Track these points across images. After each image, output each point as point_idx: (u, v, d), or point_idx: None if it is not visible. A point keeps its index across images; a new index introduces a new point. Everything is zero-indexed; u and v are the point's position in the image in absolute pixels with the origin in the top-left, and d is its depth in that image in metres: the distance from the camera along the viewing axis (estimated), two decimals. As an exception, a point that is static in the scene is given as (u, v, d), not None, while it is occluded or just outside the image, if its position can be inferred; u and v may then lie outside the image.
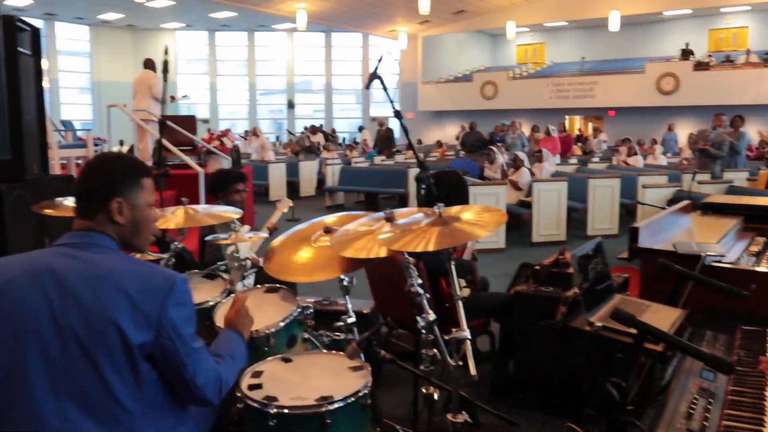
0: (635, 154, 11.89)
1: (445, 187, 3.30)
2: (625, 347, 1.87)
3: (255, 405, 2.02)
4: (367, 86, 2.53)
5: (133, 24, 23.33)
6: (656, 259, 2.62)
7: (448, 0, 19.19)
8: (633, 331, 1.80)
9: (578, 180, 8.63)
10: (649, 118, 19.86)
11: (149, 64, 9.35)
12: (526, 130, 15.35)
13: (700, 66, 19.67)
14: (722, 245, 2.98)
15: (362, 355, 2.38)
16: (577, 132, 21.22)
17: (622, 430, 1.77)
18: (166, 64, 4.01)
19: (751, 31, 21.72)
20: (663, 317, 2.22)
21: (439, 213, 2.15)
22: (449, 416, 1.97)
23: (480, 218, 2.12)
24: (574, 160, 12.55)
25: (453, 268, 2.06)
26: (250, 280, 3.29)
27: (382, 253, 2.20)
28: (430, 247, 1.98)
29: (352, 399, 2.05)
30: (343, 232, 2.50)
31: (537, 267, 3.52)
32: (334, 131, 20.01)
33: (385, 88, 2.61)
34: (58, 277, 1.62)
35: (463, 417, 1.95)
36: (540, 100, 21.54)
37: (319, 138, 16.75)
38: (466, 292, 3.73)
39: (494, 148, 10.24)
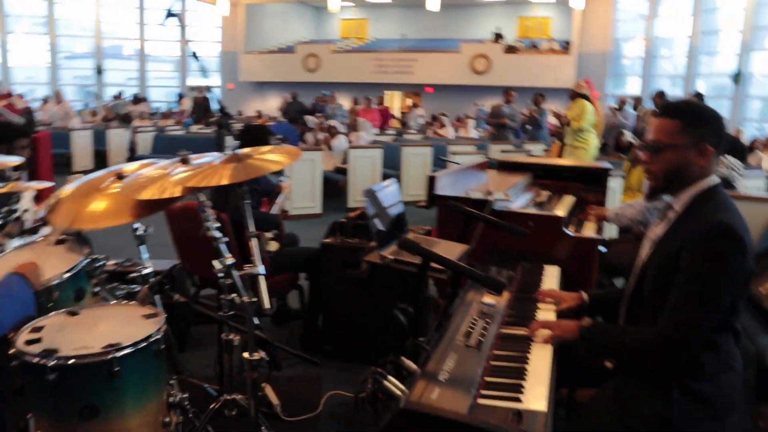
0: (444, 126, 12.61)
1: (248, 135, 3.27)
2: (412, 275, 1.96)
3: (31, 360, 1.85)
4: (163, 23, 2.39)
5: None
6: (449, 204, 2.78)
7: (270, -32, 18.78)
8: (418, 260, 1.90)
9: (393, 148, 8.94)
10: (464, 96, 21.04)
11: None
12: (347, 102, 15.57)
13: (510, 50, 21.17)
14: (511, 195, 3.24)
15: (159, 306, 2.29)
16: (396, 106, 21.94)
17: (411, 352, 1.87)
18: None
19: (553, 22, 23.73)
20: (450, 250, 2.37)
21: (233, 152, 2.11)
22: (245, 355, 1.95)
23: (274, 155, 2.10)
24: (391, 132, 13.01)
25: (248, 207, 2.03)
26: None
27: (177, 192, 2.11)
28: (224, 181, 1.94)
29: (143, 345, 1.95)
30: (135, 176, 2.36)
31: (343, 220, 3.60)
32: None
33: (182, 27, 2.47)
34: None
35: (259, 354, 1.94)
36: (362, 74, 21.91)
37: (143, 107, 15.78)
38: (274, 245, 3.73)
39: (309, 117, 10.27)
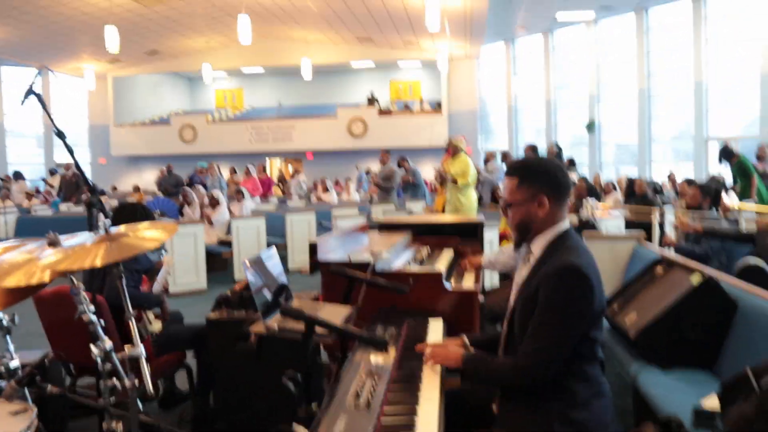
0: (327, 190, 12.77)
1: (122, 214, 3.19)
2: (298, 343, 1.97)
3: None
4: (22, 102, 2.31)
5: None
6: (331, 268, 2.83)
7: (139, 39, 18.51)
8: (302, 326, 1.92)
9: (276, 216, 8.93)
10: (343, 159, 21.48)
11: None
12: (225, 172, 15.42)
13: (384, 112, 21.98)
14: (392, 253, 3.33)
15: (29, 398, 2.13)
16: (277, 174, 21.95)
17: (304, 419, 1.86)
18: None
19: (423, 83, 24.95)
20: (335, 314, 2.40)
21: (106, 230, 2.05)
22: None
23: (150, 232, 2.07)
24: (274, 200, 12.98)
25: (123, 283, 1.97)
26: None
27: (46, 277, 2.01)
28: (98, 262, 1.87)
29: (12, 445, 1.81)
30: (0, 261, 2.22)
31: (228, 293, 3.54)
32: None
33: (44, 106, 2.40)
34: None
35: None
36: (240, 143, 21.86)
37: (21, 186, 14.89)
38: (157, 325, 3.60)
39: (189, 189, 10.07)
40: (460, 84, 21.67)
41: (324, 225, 7.49)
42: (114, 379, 2.03)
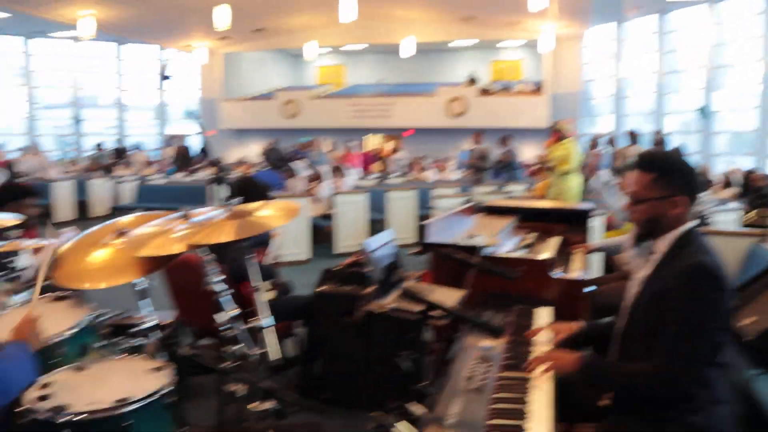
0: (424, 169, 12.83)
1: (244, 189, 3.35)
2: (413, 323, 2.04)
3: (42, 417, 1.88)
4: (160, 85, 2.51)
5: None
6: (441, 251, 2.88)
7: (247, 17, 19.08)
8: (420, 308, 1.98)
9: (378, 192, 9.06)
10: (442, 138, 21.39)
11: None
12: (326, 148, 15.75)
13: (484, 92, 21.66)
14: (499, 238, 3.35)
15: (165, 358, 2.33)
16: (375, 150, 22.18)
17: (416, 397, 1.93)
18: None
19: (525, 63, 24.39)
20: (447, 297, 2.45)
21: (234, 208, 2.19)
22: (254, 405, 1.99)
23: (274, 211, 2.19)
24: (374, 176, 13.18)
25: (251, 261, 2.10)
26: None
27: (180, 249, 2.18)
28: (227, 238, 2.01)
29: (153, 399, 1.99)
30: (138, 232, 2.42)
31: (336, 268, 3.67)
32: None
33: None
34: None
35: (268, 405, 1.99)
36: (340, 119, 22.19)
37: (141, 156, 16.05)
38: (271, 294, 3.78)
39: (295, 163, 10.39)
40: (564, 65, 20.97)
41: (429, 206, 7.56)
42: (236, 345, 2.19)
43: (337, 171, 10.04)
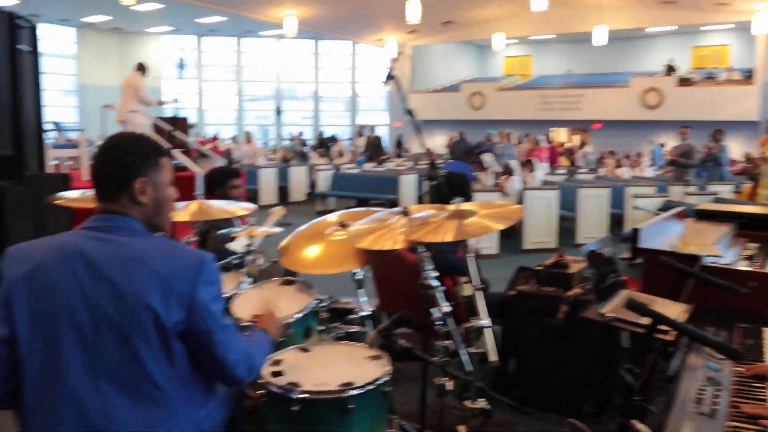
0: (621, 166, 12.13)
1: (454, 186, 3.41)
2: (637, 336, 1.96)
3: (278, 391, 2.08)
4: (385, 83, 2.65)
5: (120, 27, 23.23)
6: (657, 258, 2.73)
7: (436, 10, 19.37)
8: (645, 321, 1.90)
9: (568, 189, 8.78)
10: (634, 132, 20.16)
11: (140, 67, 9.38)
12: (513, 141, 15.55)
13: (684, 82, 20.04)
14: (718, 248, 3.10)
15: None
16: (562, 144, 21.49)
17: (636, 413, 1.87)
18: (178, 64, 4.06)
19: (732, 49, 22.18)
20: (669, 310, 2.32)
21: (456, 208, 2.25)
22: (468, 403, 2.05)
23: (495, 213, 2.21)
24: (562, 171, 12.77)
25: (471, 260, 2.15)
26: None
27: (401, 244, 2.29)
28: (449, 238, 2.07)
29: (373, 386, 2.11)
30: (359, 225, 2.58)
31: (538, 268, 3.63)
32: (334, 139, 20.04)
33: (400, 88, 2.70)
34: (88, 260, 1.65)
35: (482, 403, 2.03)
36: (526, 111, 21.78)
37: (340, 147, 17.21)
38: (470, 290, 3.84)
39: (485, 156, 10.39)
40: (780, 50, 18.73)
41: (639, 207, 7.18)
42: (447, 340, 2.25)
43: (527, 165, 9.88)
